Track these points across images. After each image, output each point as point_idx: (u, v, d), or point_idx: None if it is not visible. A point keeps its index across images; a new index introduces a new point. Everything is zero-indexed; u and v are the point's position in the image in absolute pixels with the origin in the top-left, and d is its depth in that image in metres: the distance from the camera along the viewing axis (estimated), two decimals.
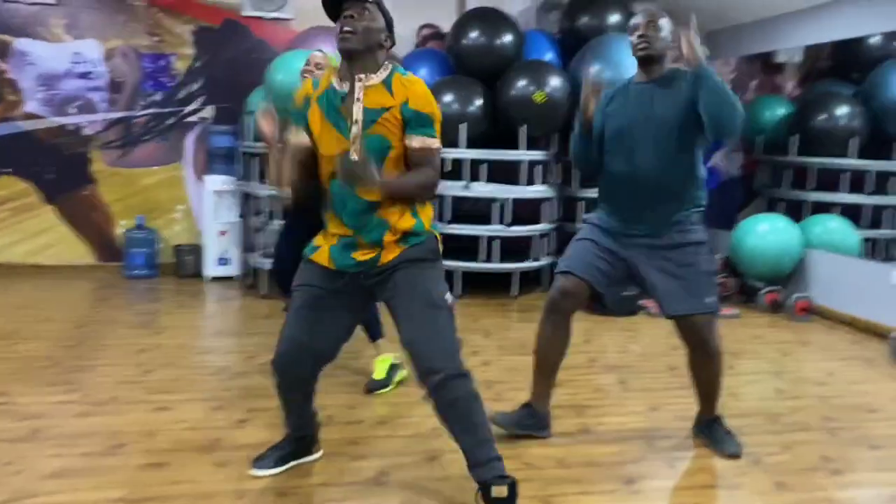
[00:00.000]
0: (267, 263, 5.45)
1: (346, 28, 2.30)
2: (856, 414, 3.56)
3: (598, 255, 3.01)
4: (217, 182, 6.01)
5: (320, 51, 3.68)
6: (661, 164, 2.88)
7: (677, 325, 2.95)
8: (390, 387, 3.61)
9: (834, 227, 5.90)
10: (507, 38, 5.77)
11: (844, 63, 6.60)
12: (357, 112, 2.33)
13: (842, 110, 6.23)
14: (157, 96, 6.15)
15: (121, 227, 6.19)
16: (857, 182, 6.07)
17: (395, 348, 3.07)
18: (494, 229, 5.61)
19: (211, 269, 6.07)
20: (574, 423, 3.27)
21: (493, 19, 5.82)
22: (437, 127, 2.39)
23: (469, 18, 5.88)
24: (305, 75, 3.55)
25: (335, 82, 2.40)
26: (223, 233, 6.05)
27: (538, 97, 5.46)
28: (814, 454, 3.06)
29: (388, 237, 2.39)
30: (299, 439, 2.75)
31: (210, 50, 6.17)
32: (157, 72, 6.13)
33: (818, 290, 5.64)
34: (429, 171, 2.37)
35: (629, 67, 5.53)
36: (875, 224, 6.12)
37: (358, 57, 2.33)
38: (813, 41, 6.34)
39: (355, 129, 2.33)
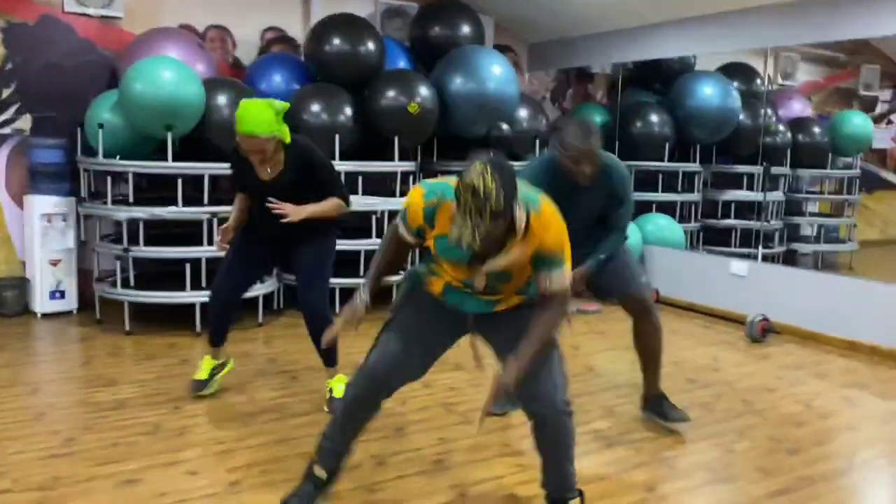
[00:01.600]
0: (127, 294, 4.86)
1: (474, 262, 2.28)
2: (761, 395, 4.06)
3: None
4: (45, 204, 5.19)
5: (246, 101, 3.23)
6: (590, 225, 3.42)
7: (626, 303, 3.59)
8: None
9: (663, 224, 6.62)
10: (371, 45, 5.64)
11: (646, 75, 7.40)
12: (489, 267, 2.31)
13: (655, 118, 6.97)
14: None
15: None
16: (667, 182, 6.90)
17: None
18: (374, 243, 5.49)
19: (42, 304, 5.24)
20: None
21: (355, 26, 5.66)
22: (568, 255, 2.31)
23: (330, 24, 5.66)
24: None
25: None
26: (55, 262, 5.25)
27: (412, 108, 5.43)
28: (763, 437, 3.46)
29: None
30: (329, 476, 2.55)
31: (24, 50, 5.28)
32: None
33: (659, 282, 6.29)
34: (560, 308, 2.31)
35: (490, 79, 5.75)
36: (683, 218, 7.05)
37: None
38: (625, 59, 7.03)
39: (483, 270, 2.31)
